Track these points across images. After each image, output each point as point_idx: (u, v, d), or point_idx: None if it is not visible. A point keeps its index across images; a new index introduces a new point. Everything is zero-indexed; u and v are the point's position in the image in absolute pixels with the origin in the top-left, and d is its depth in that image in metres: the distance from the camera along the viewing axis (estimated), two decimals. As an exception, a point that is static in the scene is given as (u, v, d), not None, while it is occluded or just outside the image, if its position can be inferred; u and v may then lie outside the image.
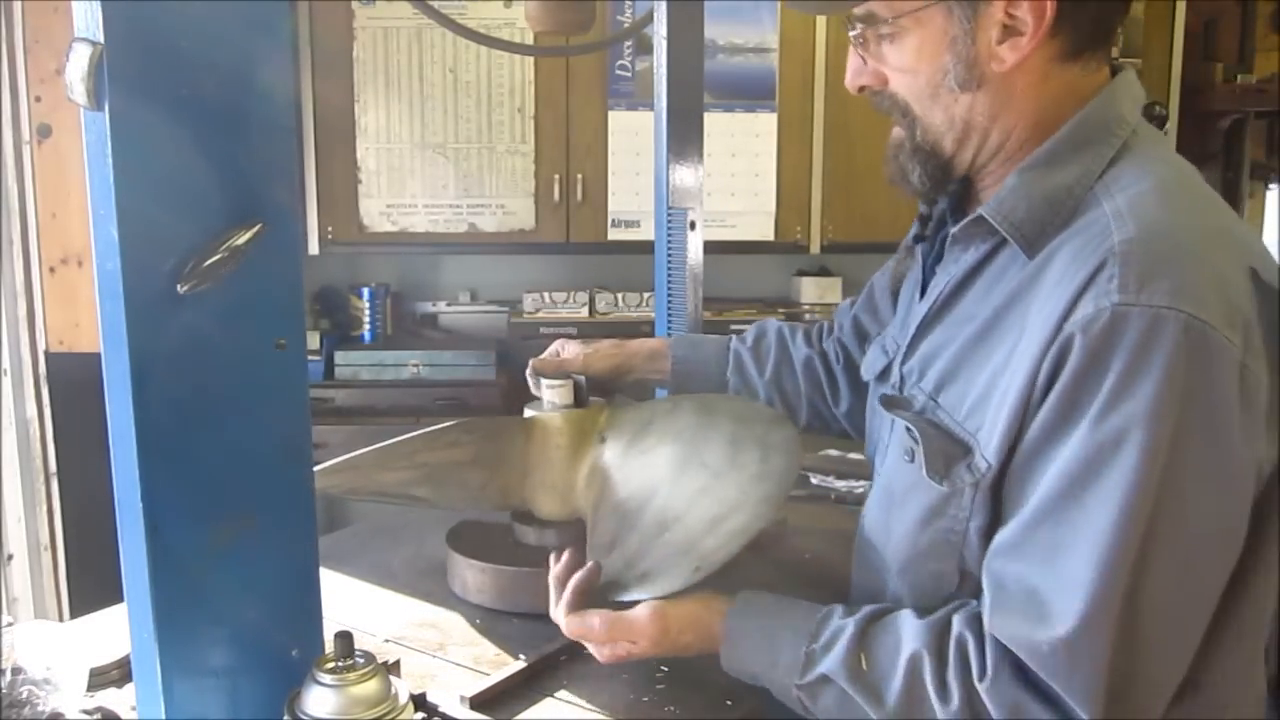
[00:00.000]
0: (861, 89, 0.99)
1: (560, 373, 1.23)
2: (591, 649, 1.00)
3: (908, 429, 0.94)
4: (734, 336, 1.37)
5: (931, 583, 0.92)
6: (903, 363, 1.03)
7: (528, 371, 1.27)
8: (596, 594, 1.01)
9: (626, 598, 0.99)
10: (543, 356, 1.31)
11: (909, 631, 0.87)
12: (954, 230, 0.98)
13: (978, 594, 0.87)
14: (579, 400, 1.20)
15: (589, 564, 1.01)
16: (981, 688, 0.82)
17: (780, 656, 0.92)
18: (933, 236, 1.06)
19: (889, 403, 1.00)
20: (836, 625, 0.91)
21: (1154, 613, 0.78)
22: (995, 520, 0.87)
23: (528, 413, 1.20)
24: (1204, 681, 0.84)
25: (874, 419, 1.13)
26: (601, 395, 1.25)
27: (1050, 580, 0.80)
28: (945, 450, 0.90)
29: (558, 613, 1.01)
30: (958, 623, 0.86)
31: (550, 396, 1.19)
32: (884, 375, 1.08)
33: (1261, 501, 0.83)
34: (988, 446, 0.87)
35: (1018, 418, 0.84)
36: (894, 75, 0.96)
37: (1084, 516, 0.79)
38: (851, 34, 0.97)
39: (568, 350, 1.31)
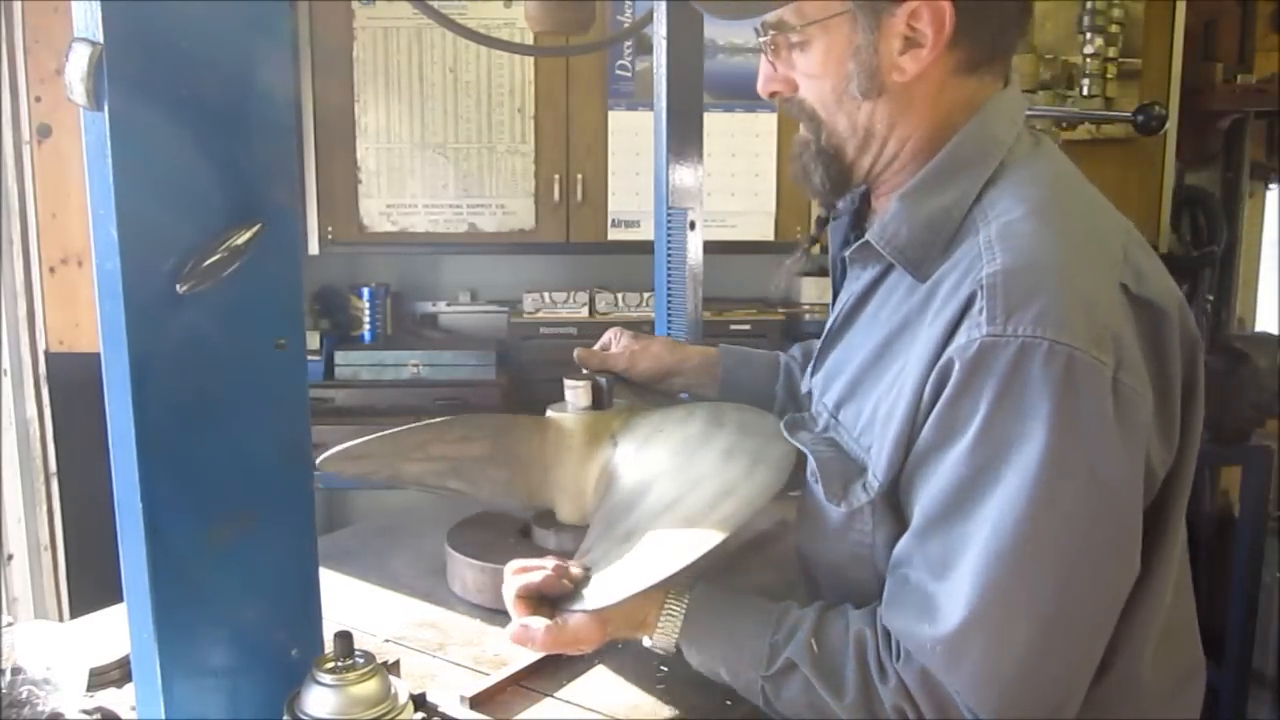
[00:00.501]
0: (773, 94, 1.03)
1: (591, 372, 1.23)
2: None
3: (808, 454, 0.99)
4: (782, 352, 1.36)
5: (856, 590, 0.97)
6: (811, 375, 1.10)
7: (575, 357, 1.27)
8: (556, 600, 1.00)
9: (574, 607, 0.98)
10: (594, 347, 1.30)
11: (854, 615, 0.93)
12: (849, 253, 1.03)
13: None
14: (598, 402, 1.19)
15: (550, 568, 1.00)
16: (897, 666, 0.89)
17: (744, 650, 0.95)
18: (836, 254, 1.12)
19: (791, 426, 1.06)
20: (796, 615, 0.95)
21: (1038, 619, 0.84)
22: (899, 526, 0.93)
23: (549, 412, 1.19)
24: (1114, 663, 0.91)
25: None
26: (637, 393, 1.24)
27: (939, 585, 0.86)
28: (843, 472, 0.96)
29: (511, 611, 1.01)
30: None
31: (570, 397, 1.19)
32: (792, 396, 1.19)
33: (1161, 499, 0.91)
34: (877, 465, 0.92)
35: (902, 440, 0.90)
36: (802, 81, 1.00)
37: (966, 531, 0.85)
38: (762, 41, 1.01)
39: (619, 343, 1.30)
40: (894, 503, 0.93)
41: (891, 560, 0.92)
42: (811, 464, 0.99)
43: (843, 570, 0.99)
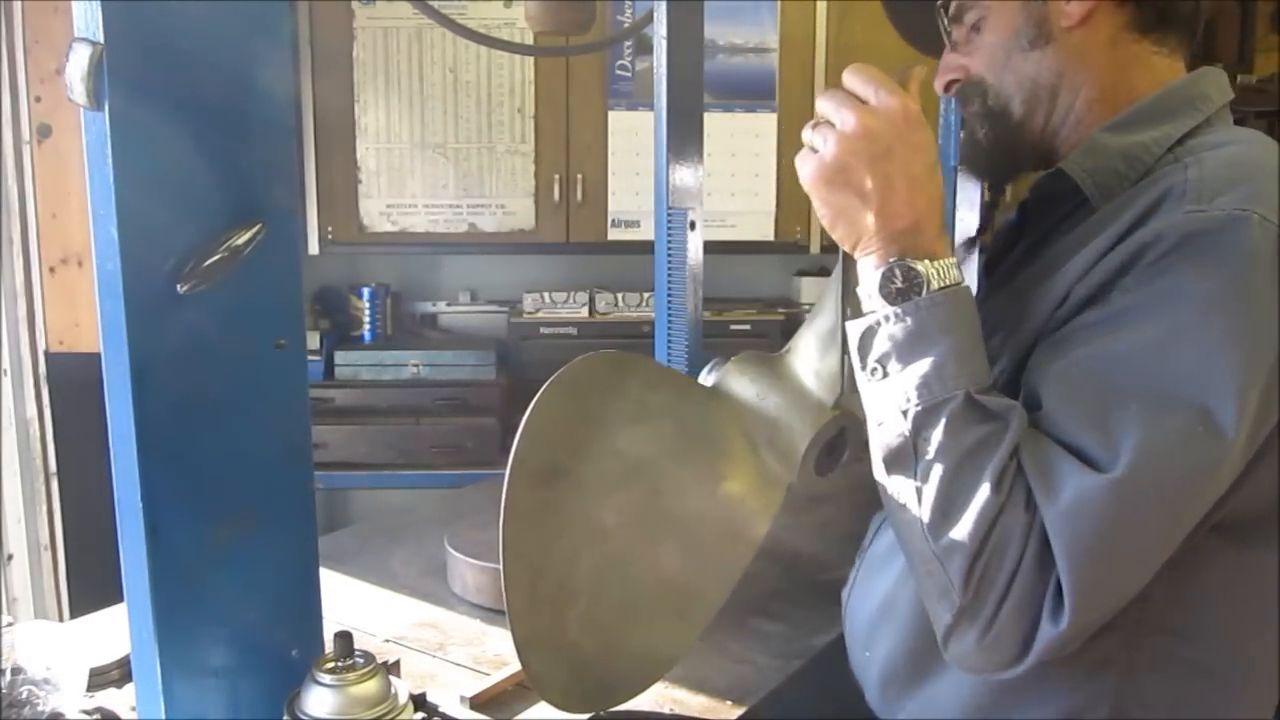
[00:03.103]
0: (949, 84, 1.00)
1: None
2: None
3: None
4: None
5: None
6: None
7: None
8: None
9: None
10: None
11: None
12: (1030, 188, 0.97)
13: None
14: None
15: None
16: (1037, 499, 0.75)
17: (971, 353, 0.79)
18: (1016, 216, 1.04)
19: None
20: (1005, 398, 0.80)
21: (1171, 499, 0.75)
22: None
23: None
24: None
25: None
26: None
27: (1092, 439, 0.75)
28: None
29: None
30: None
31: None
32: None
33: None
34: (1000, 355, 0.86)
35: (1037, 329, 0.83)
36: (975, 58, 0.97)
37: (1142, 391, 0.74)
38: (946, 34, 0.99)
39: None
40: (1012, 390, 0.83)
41: (1040, 414, 0.79)
42: None
43: None
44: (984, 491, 0.74)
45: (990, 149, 0.98)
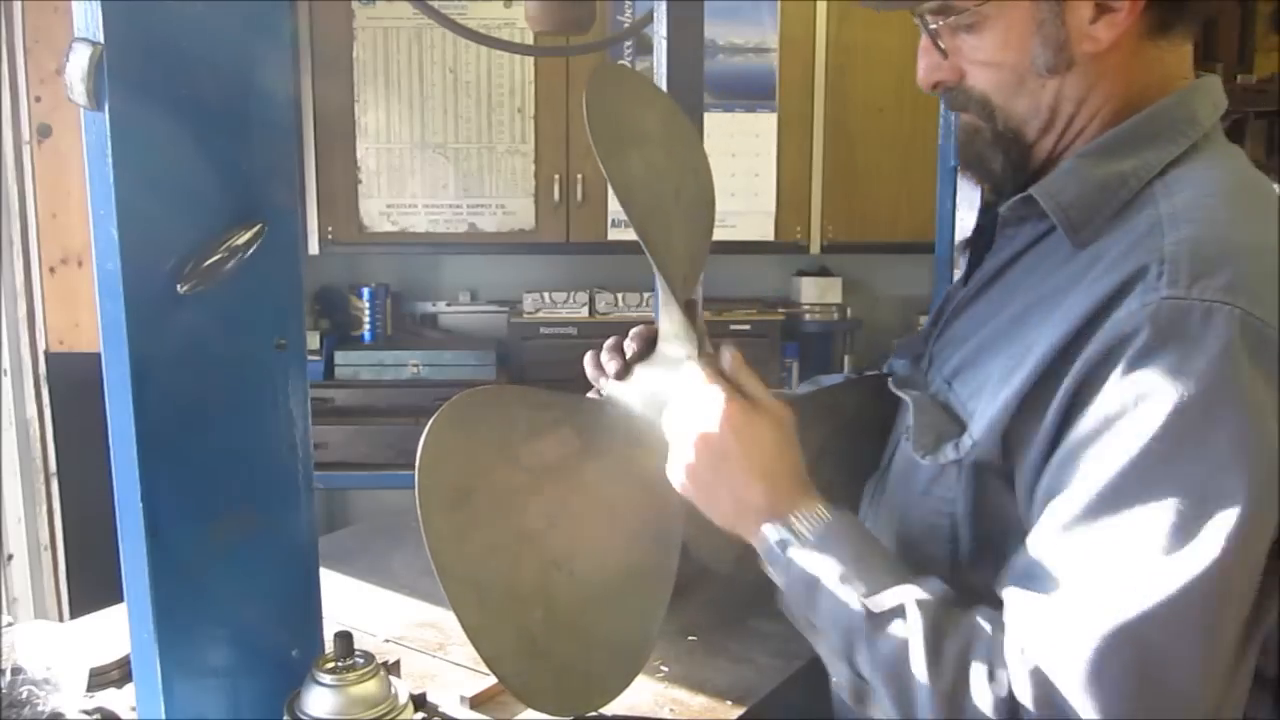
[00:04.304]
0: (935, 86, 0.94)
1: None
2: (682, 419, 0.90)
3: (909, 404, 0.92)
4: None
5: (929, 568, 0.86)
6: (935, 341, 1.01)
7: None
8: None
9: None
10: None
11: (978, 609, 0.80)
12: (1002, 210, 0.93)
13: (966, 590, 0.82)
14: None
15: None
16: (1013, 663, 0.75)
17: (871, 571, 0.81)
18: (988, 227, 1.01)
19: (900, 381, 0.97)
20: (932, 578, 0.82)
21: (1198, 628, 0.72)
22: (982, 509, 0.84)
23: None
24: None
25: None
26: None
27: (1084, 582, 0.74)
28: (938, 426, 0.88)
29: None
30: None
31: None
32: (917, 360, 1.04)
33: None
34: (977, 426, 0.84)
35: (1012, 404, 0.81)
36: (973, 68, 0.90)
37: (1132, 519, 0.73)
38: (927, 29, 0.91)
39: None
40: (982, 478, 0.84)
41: (1026, 549, 0.79)
42: (909, 416, 0.91)
43: (915, 544, 0.90)
44: (924, 689, 0.76)
45: (1002, 171, 0.94)
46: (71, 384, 2.52)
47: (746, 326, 2.90)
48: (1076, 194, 0.85)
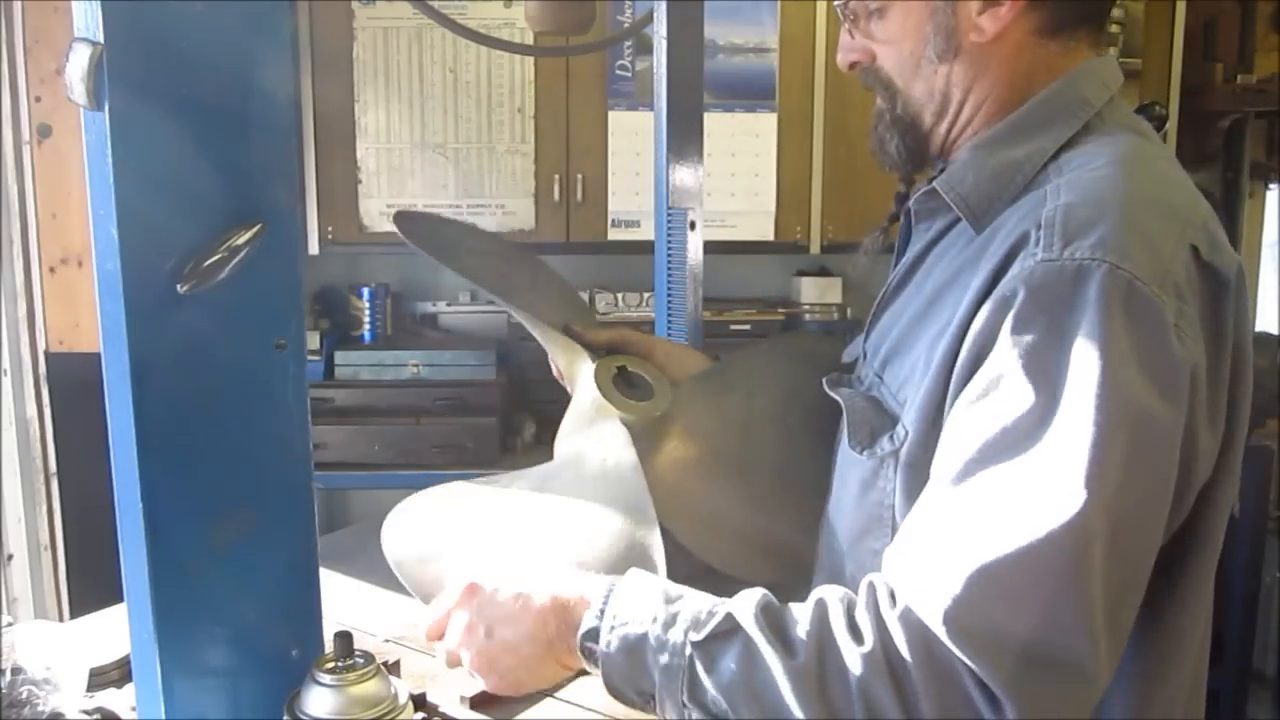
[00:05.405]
0: (851, 66, 1.01)
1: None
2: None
3: (843, 405, 0.95)
4: None
5: (872, 561, 0.88)
6: (867, 337, 1.04)
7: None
8: None
9: None
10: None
11: (819, 589, 0.81)
12: (911, 204, 0.99)
13: None
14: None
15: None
16: (888, 617, 0.74)
17: (682, 611, 0.80)
18: (905, 219, 1.06)
19: (832, 381, 1.01)
20: (748, 591, 0.82)
21: (1073, 567, 0.72)
22: (918, 498, 0.84)
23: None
24: (1166, 610, 0.85)
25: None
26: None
27: (956, 530, 0.75)
28: (872, 422, 0.91)
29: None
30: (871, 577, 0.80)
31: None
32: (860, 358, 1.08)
33: (1203, 501, 0.84)
34: (908, 416, 0.87)
35: (936, 390, 0.83)
36: (880, 49, 0.98)
37: (1002, 472, 0.74)
38: (842, 10, 0.99)
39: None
40: (918, 469, 0.85)
41: (909, 516, 0.82)
42: (844, 416, 0.94)
43: (860, 536, 0.92)
44: (786, 681, 0.74)
45: (897, 153, 1.01)
46: (71, 384, 2.52)
47: (746, 326, 2.90)
48: (974, 184, 0.90)
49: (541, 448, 1.35)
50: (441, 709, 0.85)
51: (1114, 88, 0.94)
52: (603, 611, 0.82)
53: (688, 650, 0.77)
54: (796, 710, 0.73)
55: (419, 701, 0.83)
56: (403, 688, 0.81)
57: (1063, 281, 0.76)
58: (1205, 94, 2.87)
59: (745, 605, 0.78)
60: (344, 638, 0.79)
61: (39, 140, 2.48)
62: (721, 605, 0.79)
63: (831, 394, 0.98)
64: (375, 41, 2.74)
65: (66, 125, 2.46)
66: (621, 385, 1.17)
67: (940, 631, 0.71)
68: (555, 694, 1.03)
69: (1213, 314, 0.81)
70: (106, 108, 0.68)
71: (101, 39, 0.67)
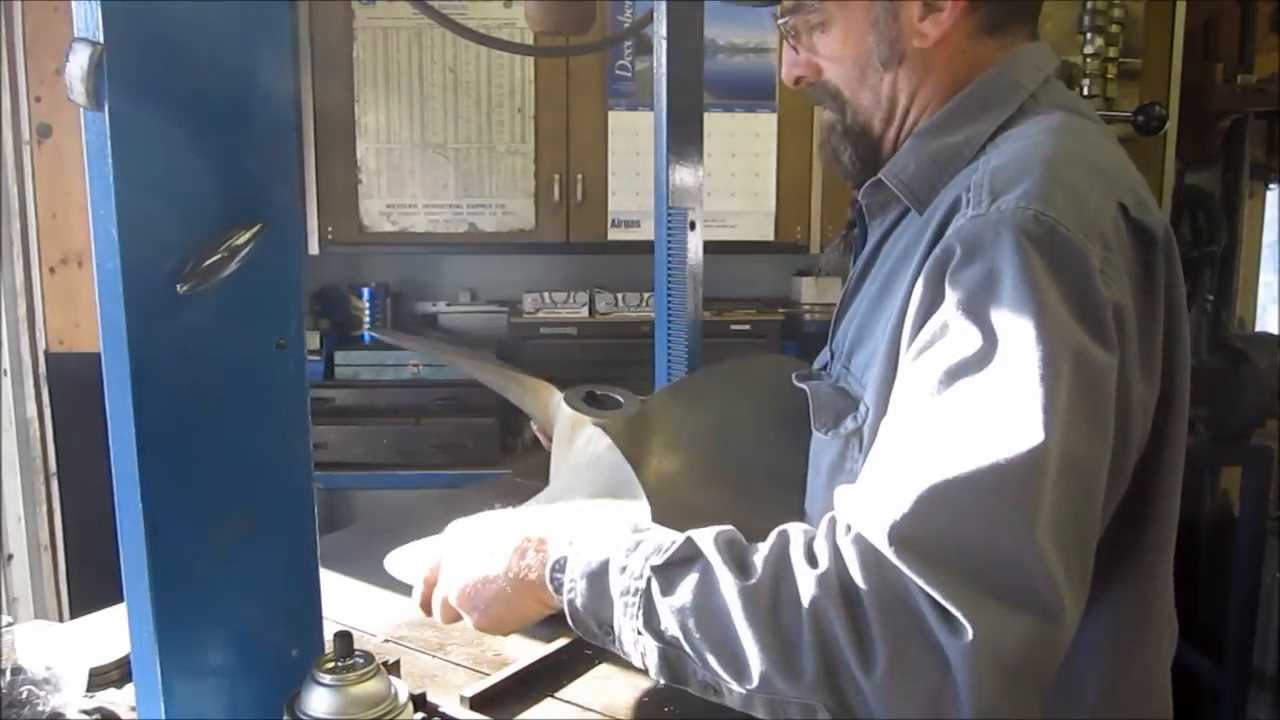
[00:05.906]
0: (797, 80, 1.04)
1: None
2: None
3: (808, 393, 0.98)
4: None
5: None
6: (831, 342, 1.07)
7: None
8: None
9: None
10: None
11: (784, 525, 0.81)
12: (860, 198, 1.02)
13: None
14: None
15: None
16: (841, 541, 0.74)
17: (643, 541, 0.80)
18: (860, 221, 1.08)
19: (801, 376, 1.04)
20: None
21: (1016, 489, 0.71)
22: None
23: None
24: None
25: None
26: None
27: (905, 459, 0.75)
28: (836, 405, 0.94)
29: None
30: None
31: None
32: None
33: (1151, 457, 0.86)
34: (869, 394, 0.90)
35: (890, 355, 0.85)
36: (825, 63, 1.00)
37: (939, 412, 0.75)
38: (783, 25, 1.01)
39: None
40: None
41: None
42: (809, 403, 0.97)
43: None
44: (739, 602, 0.73)
45: (851, 164, 1.02)
46: (71, 384, 2.52)
47: (746, 326, 2.90)
48: (915, 169, 0.93)
49: (541, 448, 1.35)
50: (441, 709, 0.85)
51: (1048, 69, 0.96)
52: (573, 541, 0.84)
53: (646, 573, 0.77)
54: (746, 630, 0.72)
55: (419, 701, 0.83)
56: (403, 688, 0.81)
57: (990, 230, 0.78)
58: (1205, 94, 2.86)
59: (707, 534, 0.78)
60: (344, 638, 0.79)
61: (39, 140, 2.48)
62: (686, 535, 0.79)
63: (800, 386, 1.01)
64: (375, 41, 2.74)
65: (66, 125, 2.46)
66: (593, 406, 1.21)
67: (886, 550, 0.70)
68: (555, 694, 1.03)
69: (1142, 268, 0.83)
70: (106, 108, 0.68)
71: (101, 39, 0.67)
